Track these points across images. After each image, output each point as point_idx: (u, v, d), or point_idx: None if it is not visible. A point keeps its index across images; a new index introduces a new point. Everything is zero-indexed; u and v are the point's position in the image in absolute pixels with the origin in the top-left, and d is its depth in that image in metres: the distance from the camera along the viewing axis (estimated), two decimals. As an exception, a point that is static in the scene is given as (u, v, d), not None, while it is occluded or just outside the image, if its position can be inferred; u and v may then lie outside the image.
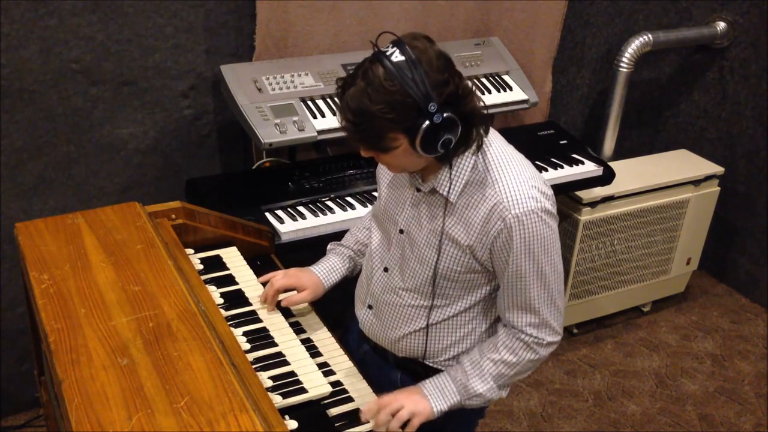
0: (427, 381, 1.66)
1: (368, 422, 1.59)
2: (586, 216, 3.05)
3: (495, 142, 1.57)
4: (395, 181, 1.70)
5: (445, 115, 1.41)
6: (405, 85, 1.38)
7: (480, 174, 1.53)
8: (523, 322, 1.59)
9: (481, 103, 1.49)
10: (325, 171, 2.52)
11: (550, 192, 1.56)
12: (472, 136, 1.50)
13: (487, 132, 1.53)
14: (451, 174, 1.52)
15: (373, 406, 1.58)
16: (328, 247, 1.96)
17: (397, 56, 1.39)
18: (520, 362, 1.61)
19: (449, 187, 1.53)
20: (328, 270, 1.87)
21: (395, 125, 1.41)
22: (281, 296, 1.84)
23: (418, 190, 1.61)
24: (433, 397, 1.62)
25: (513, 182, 1.51)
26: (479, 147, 1.52)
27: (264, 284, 1.88)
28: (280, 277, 1.82)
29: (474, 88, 1.50)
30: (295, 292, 1.83)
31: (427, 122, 1.40)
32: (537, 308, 1.57)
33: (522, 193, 1.50)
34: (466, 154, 1.52)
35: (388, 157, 1.50)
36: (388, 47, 1.41)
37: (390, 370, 1.79)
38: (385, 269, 1.72)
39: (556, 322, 1.61)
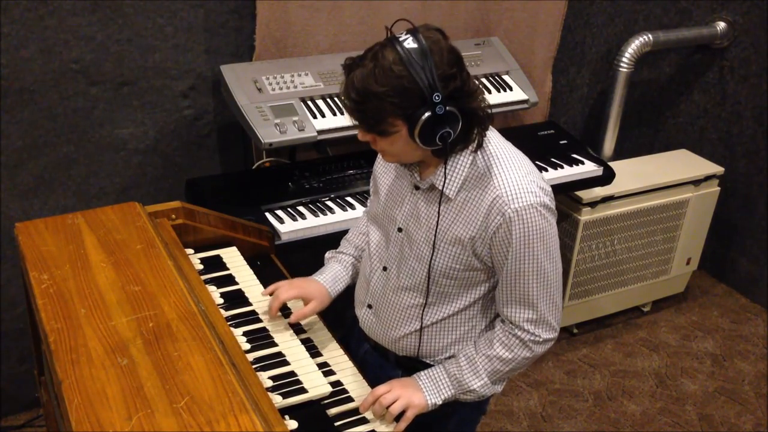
0: (422, 373, 1.67)
1: (367, 412, 1.61)
2: (586, 216, 3.05)
3: (493, 139, 1.57)
4: (394, 180, 1.70)
5: (447, 108, 1.41)
6: (413, 71, 1.38)
7: (479, 170, 1.53)
8: (521, 318, 1.59)
9: (485, 104, 1.49)
10: (325, 171, 2.52)
11: (549, 188, 1.57)
12: (471, 134, 1.50)
13: (486, 131, 1.53)
14: (446, 170, 1.53)
15: (369, 398, 1.60)
16: (327, 255, 1.94)
17: (410, 43, 1.40)
18: (516, 359, 1.62)
19: (446, 183, 1.53)
20: (332, 279, 1.84)
21: (397, 110, 1.42)
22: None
23: (417, 188, 1.62)
24: (427, 390, 1.63)
25: (512, 177, 1.51)
26: (479, 145, 1.52)
27: (271, 294, 1.82)
28: (285, 289, 1.78)
29: (481, 88, 1.50)
30: (301, 303, 1.81)
31: (429, 113, 1.41)
32: (535, 304, 1.57)
33: (521, 188, 1.50)
34: (465, 151, 1.53)
35: (384, 143, 1.50)
36: (401, 34, 1.42)
37: (391, 369, 1.79)
38: (384, 268, 1.72)
39: (554, 318, 1.61)
